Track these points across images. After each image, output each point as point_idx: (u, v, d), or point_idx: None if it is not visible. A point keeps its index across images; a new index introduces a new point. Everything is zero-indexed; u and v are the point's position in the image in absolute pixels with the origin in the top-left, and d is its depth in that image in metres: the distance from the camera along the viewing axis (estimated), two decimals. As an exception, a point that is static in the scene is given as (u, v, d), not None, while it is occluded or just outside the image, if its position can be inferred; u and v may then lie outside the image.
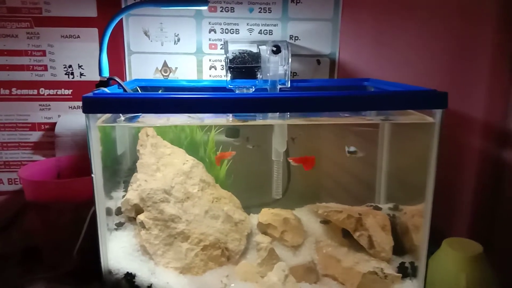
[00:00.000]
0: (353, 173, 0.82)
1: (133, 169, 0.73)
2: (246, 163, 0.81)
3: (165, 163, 0.75)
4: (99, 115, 0.60)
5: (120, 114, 0.64)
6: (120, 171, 0.76)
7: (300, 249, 0.74)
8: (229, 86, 0.85)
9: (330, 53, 0.96)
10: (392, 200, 0.81)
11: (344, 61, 0.97)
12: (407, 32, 0.95)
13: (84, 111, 0.57)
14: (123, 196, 0.73)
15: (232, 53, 0.85)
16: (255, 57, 0.85)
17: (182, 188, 0.71)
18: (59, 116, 0.95)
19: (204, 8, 0.71)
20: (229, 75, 0.85)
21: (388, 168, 0.81)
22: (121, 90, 0.71)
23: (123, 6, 0.91)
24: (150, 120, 0.66)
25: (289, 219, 0.76)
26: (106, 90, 0.62)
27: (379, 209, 0.80)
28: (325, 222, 0.79)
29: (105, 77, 0.71)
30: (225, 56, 0.84)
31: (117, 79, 0.70)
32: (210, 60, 0.95)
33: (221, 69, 0.96)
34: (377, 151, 0.82)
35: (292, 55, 0.87)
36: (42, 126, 0.96)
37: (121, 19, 0.91)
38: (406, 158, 0.78)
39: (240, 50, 0.85)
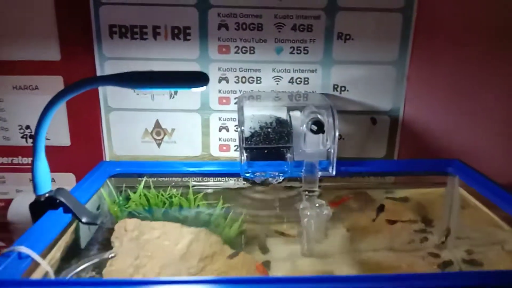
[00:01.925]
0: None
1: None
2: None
3: (149, 255, 0.50)
4: None
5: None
6: None
7: None
8: (245, 173, 0.58)
9: (392, 109, 0.67)
10: None
11: (411, 119, 0.68)
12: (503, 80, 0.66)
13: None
14: None
15: (250, 128, 0.57)
16: (284, 133, 0.57)
17: None
18: (17, 191, 0.71)
19: (202, 89, 0.44)
20: (245, 155, 0.57)
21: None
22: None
23: (95, 51, 0.64)
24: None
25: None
26: (24, 250, 0.36)
27: None
28: None
29: (44, 193, 0.44)
30: (239, 128, 0.57)
31: (62, 199, 0.43)
32: (220, 119, 0.68)
33: (235, 130, 0.68)
34: None
35: (337, 112, 0.59)
36: (-4, 203, 0.72)
37: (94, 61, 0.64)
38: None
39: (261, 121, 0.57)
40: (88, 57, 0.64)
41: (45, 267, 0.37)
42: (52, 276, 0.37)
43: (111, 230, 0.52)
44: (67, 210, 0.44)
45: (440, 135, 0.68)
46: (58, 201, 0.44)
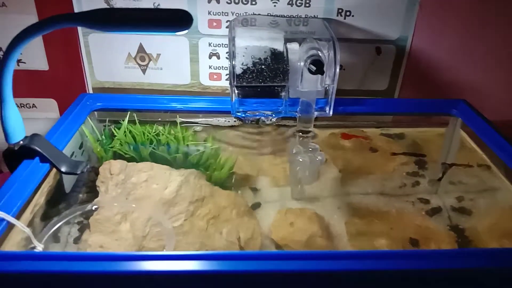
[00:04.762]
0: None
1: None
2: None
3: (137, 200, 0.50)
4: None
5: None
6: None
7: None
8: (237, 112, 0.54)
9: (399, 37, 0.61)
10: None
11: (419, 51, 0.62)
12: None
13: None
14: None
15: (242, 64, 0.51)
16: (280, 70, 0.52)
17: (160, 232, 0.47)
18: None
19: (184, 32, 0.37)
20: (236, 93, 0.53)
21: None
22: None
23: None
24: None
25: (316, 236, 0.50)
26: (2, 215, 0.33)
27: None
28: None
29: (18, 141, 0.41)
30: (229, 63, 0.51)
31: (38, 148, 0.40)
32: (210, 45, 0.62)
33: (226, 58, 0.63)
34: None
35: (340, 40, 0.53)
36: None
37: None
38: None
39: (255, 56, 0.52)
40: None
41: (23, 229, 0.35)
42: (31, 237, 0.36)
43: (96, 171, 0.50)
44: (43, 159, 0.41)
45: (448, 71, 0.63)
46: (33, 150, 0.41)
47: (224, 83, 0.64)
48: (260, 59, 0.52)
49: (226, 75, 0.64)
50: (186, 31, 0.38)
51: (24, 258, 0.31)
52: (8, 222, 0.34)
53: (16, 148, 0.41)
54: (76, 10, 0.59)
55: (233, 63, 0.51)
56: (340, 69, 0.62)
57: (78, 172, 0.43)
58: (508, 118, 0.55)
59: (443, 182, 0.55)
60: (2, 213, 0.34)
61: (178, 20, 0.36)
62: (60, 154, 0.43)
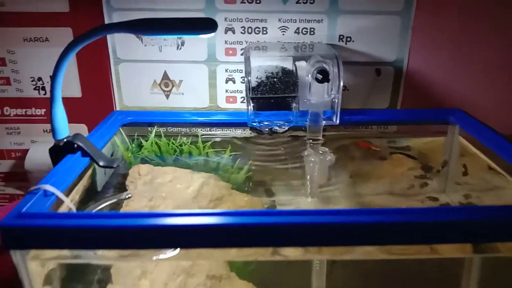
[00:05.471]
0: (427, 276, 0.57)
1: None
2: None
3: (163, 196, 0.53)
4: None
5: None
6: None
7: None
8: (252, 123, 0.60)
9: (396, 59, 0.68)
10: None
11: (415, 71, 0.68)
12: (506, 31, 0.66)
13: (5, 245, 0.35)
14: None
15: (257, 78, 0.58)
16: (290, 83, 0.59)
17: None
18: (32, 141, 0.74)
19: (210, 35, 0.45)
20: (252, 105, 0.59)
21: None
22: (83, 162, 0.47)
23: (103, 2, 0.64)
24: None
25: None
26: (49, 188, 0.39)
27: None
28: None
29: (63, 139, 0.47)
30: (245, 79, 0.58)
31: (80, 143, 0.46)
32: (226, 71, 0.69)
33: (241, 82, 0.70)
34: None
35: (342, 63, 0.60)
36: (12, 154, 0.74)
37: (102, 12, 0.65)
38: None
39: (268, 70, 0.59)
40: (96, 8, 0.65)
41: (69, 204, 0.40)
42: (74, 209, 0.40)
43: (125, 175, 0.55)
44: (85, 154, 0.46)
45: (443, 86, 0.69)
46: (76, 145, 0.46)
47: (239, 105, 0.71)
48: (272, 73, 0.58)
49: (241, 97, 0.71)
50: (213, 34, 0.45)
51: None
52: (56, 197, 0.39)
53: (61, 144, 0.46)
54: (110, 42, 0.67)
55: (249, 78, 0.58)
56: (344, 89, 0.69)
57: (115, 166, 0.49)
58: (498, 127, 0.60)
59: (449, 183, 0.59)
60: (51, 187, 0.39)
61: (207, 25, 0.43)
62: (98, 151, 0.48)
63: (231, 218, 0.35)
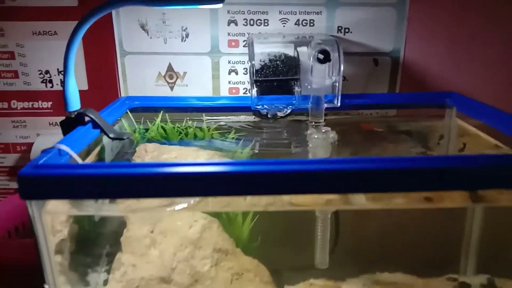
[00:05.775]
0: (429, 229, 0.59)
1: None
2: (278, 218, 0.59)
3: None
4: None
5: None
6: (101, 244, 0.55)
7: None
8: (256, 106, 0.62)
9: (393, 50, 0.71)
10: (485, 271, 0.58)
11: (411, 61, 0.71)
12: (501, 24, 0.69)
13: (21, 196, 0.36)
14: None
15: (260, 60, 0.60)
16: (292, 65, 0.61)
17: (187, 267, 0.50)
18: (37, 135, 0.75)
19: (219, 6, 0.47)
20: (255, 90, 0.61)
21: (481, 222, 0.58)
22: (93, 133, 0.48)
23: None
24: (138, 203, 0.43)
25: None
26: (64, 147, 0.40)
27: (468, 286, 0.57)
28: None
29: (75, 111, 0.48)
30: (249, 63, 0.60)
31: (92, 116, 0.47)
32: (229, 62, 0.71)
33: (244, 73, 0.72)
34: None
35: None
36: (18, 147, 0.75)
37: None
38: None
39: (271, 54, 0.61)
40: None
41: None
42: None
43: (132, 154, 0.56)
44: (95, 126, 0.48)
45: (439, 76, 0.72)
46: (87, 118, 0.48)
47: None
48: (275, 56, 0.61)
49: (244, 88, 0.73)
50: (221, 5, 0.47)
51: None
52: (70, 157, 0.40)
53: (73, 116, 0.47)
54: (116, 35, 0.69)
55: (253, 62, 0.60)
56: (343, 80, 0.72)
57: (124, 138, 0.50)
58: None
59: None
60: (66, 146, 0.40)
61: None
62: (108, 125, 0.49)
63: (241, 167, 0.36)
